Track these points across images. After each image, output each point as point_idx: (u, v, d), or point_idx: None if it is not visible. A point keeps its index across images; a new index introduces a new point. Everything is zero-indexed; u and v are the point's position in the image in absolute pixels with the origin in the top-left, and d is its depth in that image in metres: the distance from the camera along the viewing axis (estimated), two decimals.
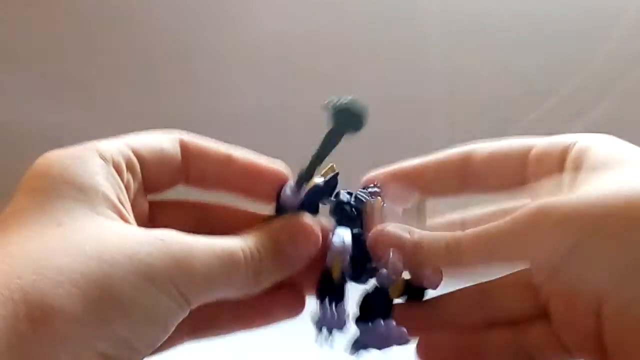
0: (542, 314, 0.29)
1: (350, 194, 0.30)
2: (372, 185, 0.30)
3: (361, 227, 0.30)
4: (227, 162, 0.31)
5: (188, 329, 0.29)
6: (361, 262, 0.30)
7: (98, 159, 0.27)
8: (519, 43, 0.90)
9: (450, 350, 0.31)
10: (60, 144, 1.01)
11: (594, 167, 0.26)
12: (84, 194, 0.25)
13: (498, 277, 0.29)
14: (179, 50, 0.93)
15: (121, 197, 0.27)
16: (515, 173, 0.30)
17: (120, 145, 0.28)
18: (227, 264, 0.25)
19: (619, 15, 0.89)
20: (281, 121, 0.92)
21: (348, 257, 0.30)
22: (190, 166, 0.30)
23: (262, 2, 0.94)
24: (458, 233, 0.26)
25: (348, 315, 0.30)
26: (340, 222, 0.31)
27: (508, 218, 0.25)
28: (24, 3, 0.93)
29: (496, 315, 0.30)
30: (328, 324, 0.29)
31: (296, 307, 0.32)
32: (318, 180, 0.29)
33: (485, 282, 0.30)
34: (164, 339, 0.24)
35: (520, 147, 0.30)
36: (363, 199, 0.30)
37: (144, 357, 0.23)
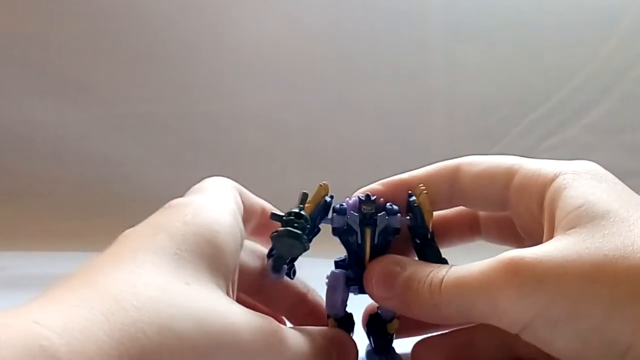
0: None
1: (343, 211, 0.30)
2: (368, 198, 0.30)
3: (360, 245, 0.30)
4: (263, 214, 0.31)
5: None
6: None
7: (239, 235, 0.27)
8: (519, 43, 0.91)
9: (443, 350, 0.31)
10: (60, 144, 1.00)
11: (564, 217, 0.26)
12: (216, 265, 0.25)
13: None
14: (180, 50, 0.93)
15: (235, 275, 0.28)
16: (498, 200, 0.30)
17: (238, 225, 0.28)
18: None
19: (619, 15, 0.89)
20: (281, 121, 0.92)
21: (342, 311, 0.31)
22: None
23: (263, 2, 0.94)
24: (442, 273, 0.27)
25: None
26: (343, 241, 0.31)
27: (482, 268, 0.25)
28: (24, 3, 0.93)
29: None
30: None
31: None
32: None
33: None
34: None
35: (504, 173, 0.29)
36: (354, 227, 0.30)
37: None
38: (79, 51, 0.93)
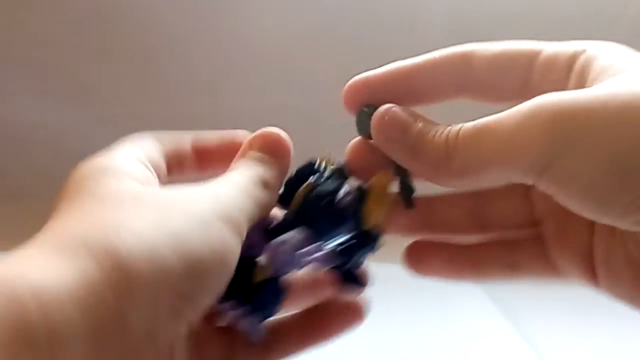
0: (535, 234, 0.29)
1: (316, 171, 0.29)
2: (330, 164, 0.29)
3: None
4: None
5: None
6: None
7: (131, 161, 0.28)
8: None
9: (440, 258, 0.30)
10: (60, 144, 1.01)
11: (599, 73, 0.25)
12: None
13: (493, 187, 0.29)
14: (180, 50, 0.93)
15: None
16: (518, 81, 0.28)
17: (141, 156, 0.28)
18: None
19: (619, 15, 0.89)
20: (281, 121, 0.91)
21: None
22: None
23: (263, 1, 0.94)
24: (459, 126, 0.26)
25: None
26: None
27: (507, 111, 0.24)
28: (24, 3, 0.93)
29: (488, 224, 0.30)
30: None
31: (355, 315, 0.30)
32: None
33: (480, 191, 0.30)
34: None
35: (527, 52, 0.28)
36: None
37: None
38: (79, 51, 0.93)
